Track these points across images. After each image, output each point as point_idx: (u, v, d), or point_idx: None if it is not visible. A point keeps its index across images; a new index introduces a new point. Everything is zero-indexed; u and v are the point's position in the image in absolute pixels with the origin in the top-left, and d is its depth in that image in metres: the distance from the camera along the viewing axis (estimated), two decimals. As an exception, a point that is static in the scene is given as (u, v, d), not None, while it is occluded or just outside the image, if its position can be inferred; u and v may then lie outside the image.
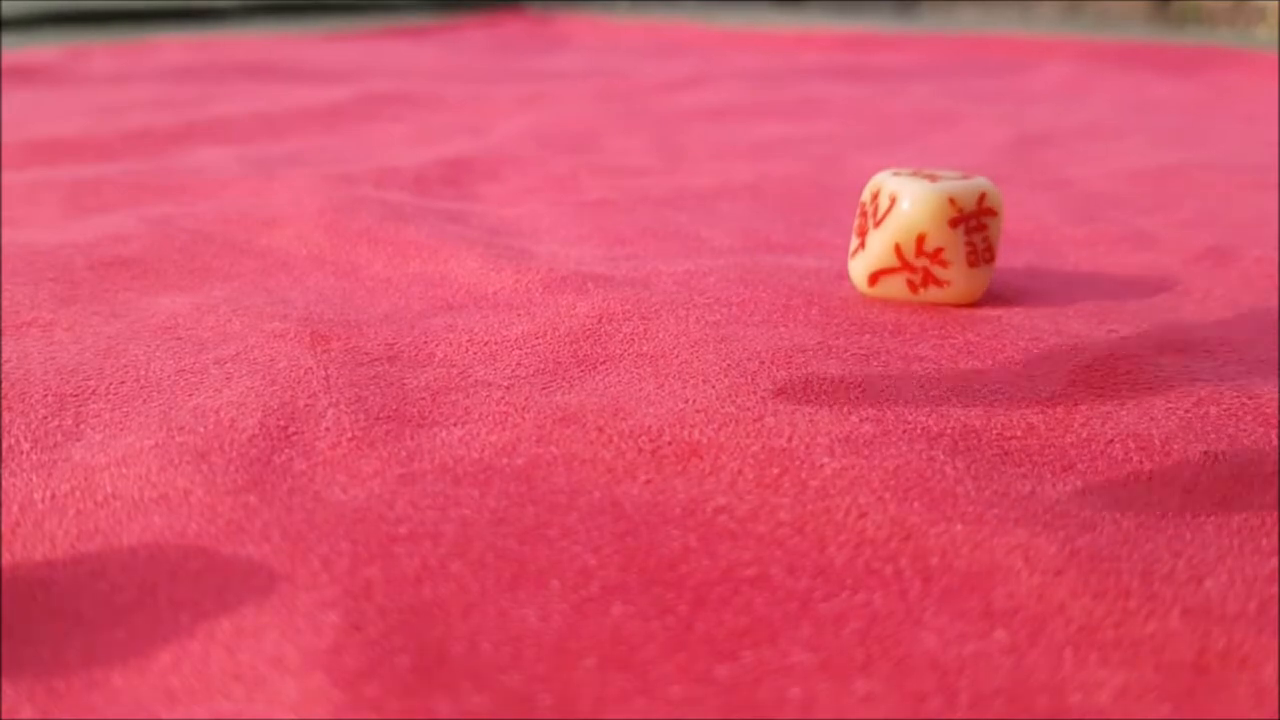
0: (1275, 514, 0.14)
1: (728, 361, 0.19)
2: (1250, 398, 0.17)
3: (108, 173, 0.35)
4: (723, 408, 0.17)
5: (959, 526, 0.14)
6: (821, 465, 0.15)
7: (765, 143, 0.41)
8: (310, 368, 0.19)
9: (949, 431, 0.16)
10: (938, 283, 0.22)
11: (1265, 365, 0.19)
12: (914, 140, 0.46)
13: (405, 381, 0.18)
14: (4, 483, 0.15)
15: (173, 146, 0.41)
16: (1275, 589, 0.12)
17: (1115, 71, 0.72)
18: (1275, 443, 0.16)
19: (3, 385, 0.18)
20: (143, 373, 0.19)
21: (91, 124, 0.44)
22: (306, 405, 0.17)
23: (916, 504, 0.14)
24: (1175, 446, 0.16)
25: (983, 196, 0.22)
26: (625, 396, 0.17)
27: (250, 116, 0.46)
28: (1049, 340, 0.20)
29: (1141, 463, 0.15)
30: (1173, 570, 0.13)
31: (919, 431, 0.16)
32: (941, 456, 0.15)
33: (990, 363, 0.19)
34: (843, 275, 0.24)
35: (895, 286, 0.23)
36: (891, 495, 0.14)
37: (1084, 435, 0.16)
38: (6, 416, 0.17)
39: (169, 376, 0.19)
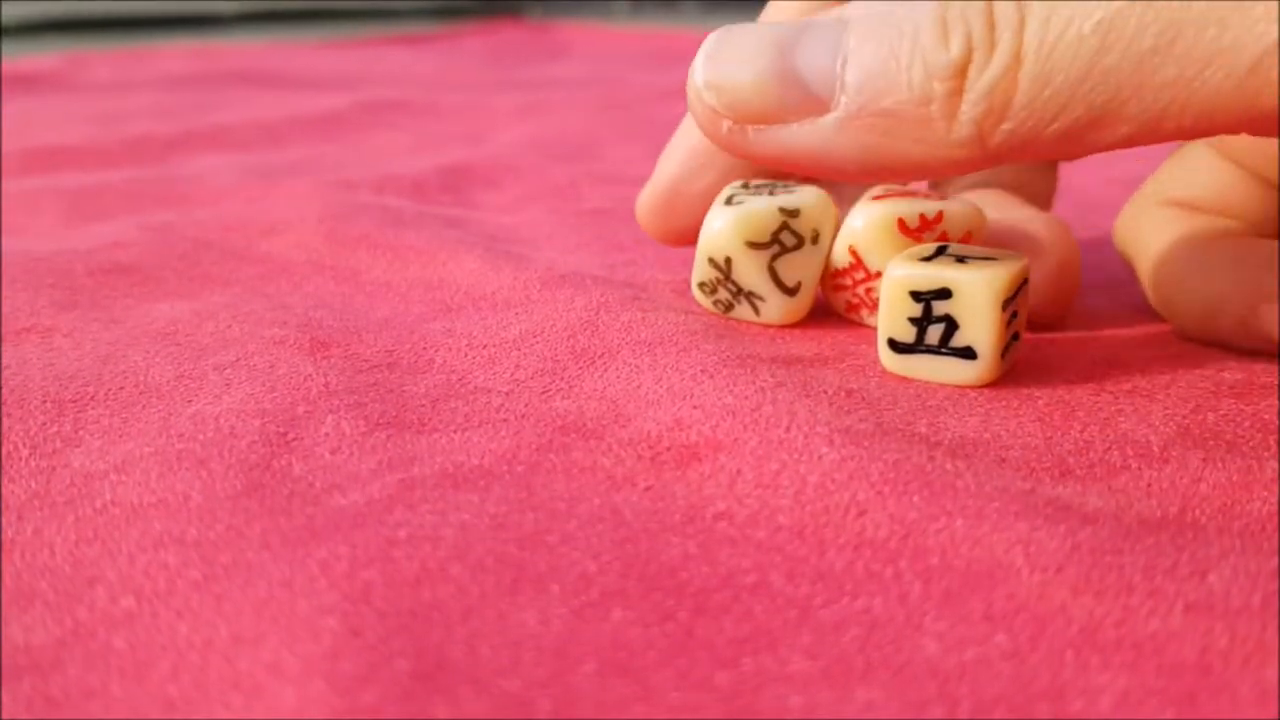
0: (1276, 519, 0.14)
1: (726, 354, 0.19)
2: (1248, 403, 0.17)
3: (108, 180, 0.35)
4: (721, 399, 0.17)
5: (959, 522, 0.14)
6: (821, 456, 0.15)
7: (764, 149, 0.41)
8: (310, 374, 0.19)
9: (946, 440, 0.16)
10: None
11: (1263, 371, 0.19)
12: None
13: (405, 388, 0.18)
14: (3, 490, 0.15)
15: (172, 154, 0.41)
16: (1277, 584, 0.12)
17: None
18: (1275, 449, 0.16)
19: (2, 392, 0.18)
20: (142, 379, 0.19)
21: (91, 131, 0.44)
22: (306, 411, 0.17)
23: (916, 498, 0.14)
24: (1174, 453, 0.16)
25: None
26: (623, 397, 0.17)
27: (250, 124, 0.46)
28: (1045, 347, 0.20)
29: (1140, 469, 0.15)
30: (1175, 564, 0.13)
31: (917, 437, 0.16)
32: (940, 455, 0.15)
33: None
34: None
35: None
36: (891, 489, 0.14)
37: (1081, 442, 0.16)
38: (5, 423, 0.17)
39: (168, 383, 0.19)
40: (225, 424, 0.17)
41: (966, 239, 0.20)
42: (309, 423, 0.17)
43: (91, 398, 0.18)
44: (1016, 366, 0.19)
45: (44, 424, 0.17)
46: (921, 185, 0.25)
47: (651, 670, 0.11)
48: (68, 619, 0.12)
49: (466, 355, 0.20)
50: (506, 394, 0.18)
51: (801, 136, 0.16)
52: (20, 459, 0.16)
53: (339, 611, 0.12)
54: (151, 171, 0.37)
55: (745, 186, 0.21)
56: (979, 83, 0.14)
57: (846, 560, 0.13)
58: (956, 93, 0.15)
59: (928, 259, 0.18)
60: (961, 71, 0.14)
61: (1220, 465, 0.15)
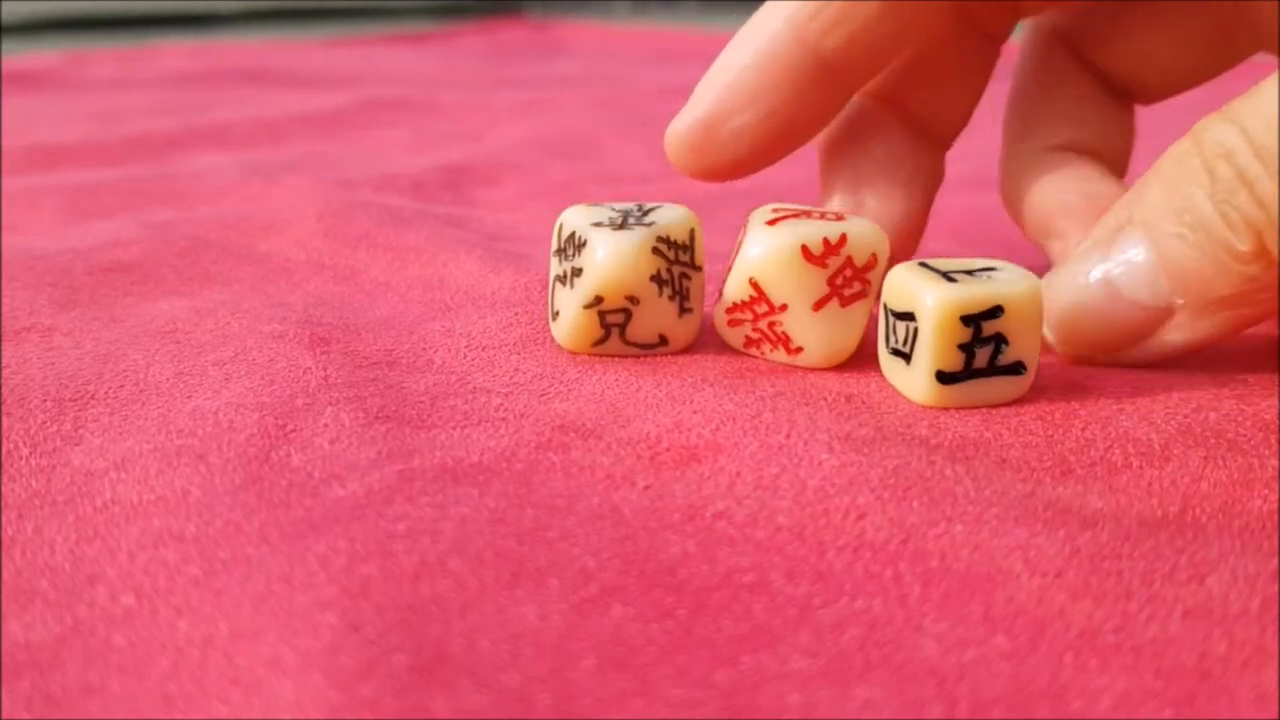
0: (1276, 518, 0.14)
1: (726, 362, 0.19)
2: (1249, 404, 0.17)
3: (107, 178, 0.35)
4: (721, 405, 0.17)
5: (959, 527, 0.14)
6: (820, 462, 0.15)
7: (764, 149, 0.41)
8: (309, 368, 0.19)
9: (946, 443, 0.16)
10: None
11: (1265, 371, 0.19)
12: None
13: (404, 385, 0.18)
14: (3, 489, 0.15)
15: (172, 152, 0.41)
16: (1276, 588, 0.12)
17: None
18: (1275, 448, 0.16)
19: (2, 391, 0.18)
20: (142, 376, 0.19)
21: (91, 130, 0.44)
22: (305, 404, 0.17)
23: (916, 503, 0.14)
24: (1175, 451, 0.16)
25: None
26: (622, 400, 0.17)
27: (250, 122, 0.46)
28: (1046, 346, 0.20)
29: (1141, 468, 0.15)
30: (1174, 568, 0.13)
31: (917, 440, 0.16)
32: (940, 460, 0.15)
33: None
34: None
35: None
36: (890, 494, 0.14)
37: (1082, 441, 0.16)
38: (6, 422, 0.17)
39: (168, 380, 0.19)
40: (224, 418, 0.17)
41: (872, 263, 0.18)
42: (308, 415, 0.17)
43: (91, 396, 0.18)
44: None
45: (44, 423, 0.17)
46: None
47: (651, 666, 0.11)
48: (68, 617, 0.12)
49: (466, 356, 0.20)
50: (506, 394, 0.18)
51: (1169, 342, 0.18)
52: (20, 457, 0.16)
53: (338, 606, 0.12)
54: (151, 169, 0.37)
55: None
56: None
57: (846, 561, 0.13)
58: (1272, 265, 0.16)
59: (948, 278, 0.17)
60: (1263, 252, 0.16)
61: (1221, 463, 0.16)
